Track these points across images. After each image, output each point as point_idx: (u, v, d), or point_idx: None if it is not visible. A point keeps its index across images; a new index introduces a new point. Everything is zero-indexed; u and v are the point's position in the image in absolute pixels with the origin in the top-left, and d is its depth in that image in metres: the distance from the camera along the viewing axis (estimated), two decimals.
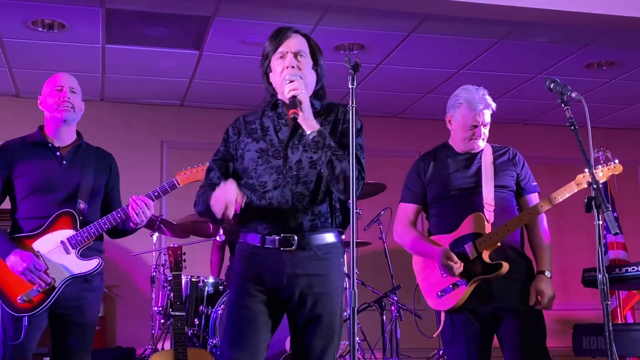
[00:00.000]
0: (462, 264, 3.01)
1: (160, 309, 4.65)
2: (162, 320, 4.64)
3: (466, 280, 3.03)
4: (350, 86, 2.56)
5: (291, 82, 2.56)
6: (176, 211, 5.59)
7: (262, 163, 2.66)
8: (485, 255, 3.03)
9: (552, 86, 2.91)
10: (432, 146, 3.42)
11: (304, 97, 2.58)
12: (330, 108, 2.77)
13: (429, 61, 5.72)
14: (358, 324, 4.40)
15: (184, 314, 4.08)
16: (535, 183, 3.27)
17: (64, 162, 3.29)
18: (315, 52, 2.76)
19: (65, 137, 3.33)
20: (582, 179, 3.02)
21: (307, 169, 2.62)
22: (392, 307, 5.06)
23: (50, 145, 3.30)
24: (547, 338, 3.13)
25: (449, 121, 3.29)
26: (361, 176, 2.60)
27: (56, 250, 3.19)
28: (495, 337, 3.14)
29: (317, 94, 2.77)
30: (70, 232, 3.20)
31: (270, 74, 2.74)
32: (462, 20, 4.86)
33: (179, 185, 3.38)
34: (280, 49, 2.69)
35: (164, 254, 4.67)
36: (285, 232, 2.59)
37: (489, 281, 3.03)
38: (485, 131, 3.20)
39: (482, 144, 3.22)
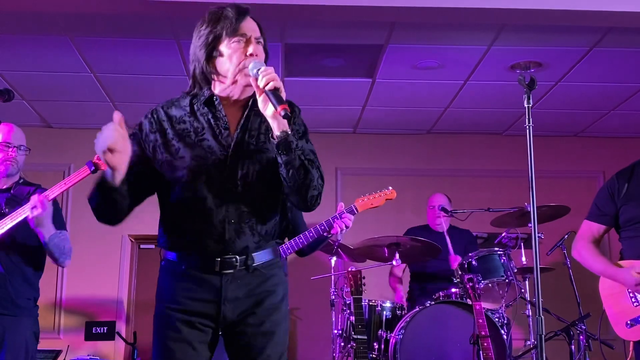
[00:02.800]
0: None
1: (340, 331, 4.72)
2: (342, 344, 4.71)
3: None
4: (525, 105, 2.51)
5: (267, 72, 2.12)
6: (353, 236, 5.71)
7: (201, 174, 2.24)
8: None
9: None
10: (617, 166, 3.26)
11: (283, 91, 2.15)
12: None
13: (612, 76, 5.43)
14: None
15: (365, 337, 4.11)
16: None
17: None
18: (266, 41, 2.33)
19: None
20: None
21: (255, 182, 2.27)
22: (581, 337, 4.82)
23: None
24: None
25: None
26: (321, 183, 2.27)
27: None
28: None
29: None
30: None
31: (218, 59, 2.25)
32: None
33: (357, 211, 3.43)
34: (240, 32, 2.23)
35: (344, 278, 4.74)
36: (225, 253, 2.24)
37: None
38: None
39: None
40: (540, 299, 2.69)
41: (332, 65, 5.32)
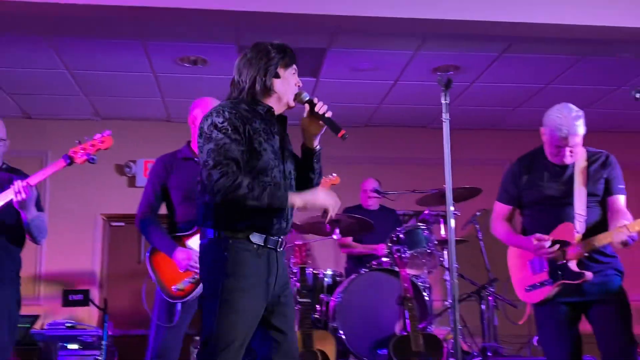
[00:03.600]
0: (553, 241, 2.91)
1: None
2: None
3: (552, 280, 2.94)
4: (443, 101, 2.58)
5: (322, 103, 2.43)
6: (300, 214, 5.74)
7: (276, 165, 2.38)
8: (573, 263, 2.91)
9: (638, 96, 2.80)
10: (521, 153, 3.35)
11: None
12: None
13: (518, 78, 5.62)
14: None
15: (309, 300, 4.16)
16: (623, 186, 3.02)
17: None
18: None
19: None
20: None
21: (293, 178, 2.49)
22: (490, 298, 4.99)
23: (196, 160, 3.46)
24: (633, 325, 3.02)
25: (543, 133, 3.08)
26: None
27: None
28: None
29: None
30: None
31: (277, 80, 2.42)
32: (548, 40, 4.75)
33: None
34: (294, 66, 2.47)
35: (292, 250, 4.74)
36: (284, 234, 2.41)
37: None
38: (570, 152, 2.98)
39: (569, 160, 3.02)
40: (456, 266, 2.77)
41: None
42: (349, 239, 5.21)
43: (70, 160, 3.13)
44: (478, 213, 5.30)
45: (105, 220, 6.44)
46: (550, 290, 2.96)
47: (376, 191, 5.25)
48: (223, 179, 2.21)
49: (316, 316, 4.54)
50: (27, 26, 4.48)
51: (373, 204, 5.30)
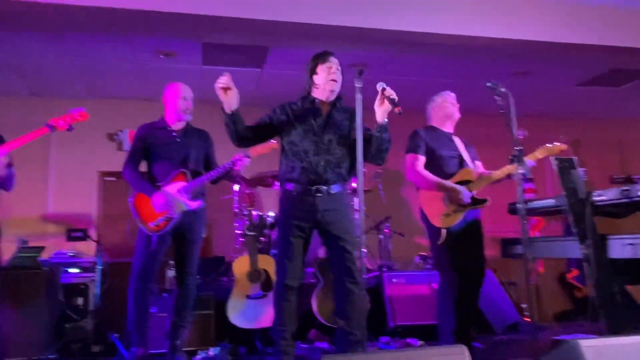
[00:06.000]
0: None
1: (241, 232, 4.72)
2: (241, 239, 4.72)
3: (462, 208, 3.09)
4: (356, 85, 2.53)
5: (390, 90, 2.50)
6: (249, 171, 5.65)
7: (305, 138, 2.61)
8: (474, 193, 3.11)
9: (489, 85, 2.88)
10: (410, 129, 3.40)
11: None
12: (347, 107, 2.76)
13: (414, 73, 5.62)
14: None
15: (255, 234, 4.12)
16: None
17: (178, 139, 3.32)
18: (340, 68, 2.77)
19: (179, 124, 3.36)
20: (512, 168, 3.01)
21: (335, 144, 2.61)
22: (386, 230, 5.10)
23: (167, 129, 3.34)
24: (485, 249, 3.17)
25: (433, 111, 3.37)
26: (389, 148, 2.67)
27: (177, 193, 3.21)
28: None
29: (339, 96, 2.76)
30: (184, 183, 3.24)
31: (315, 76, 2.69)
32: (427, 45, 4.76)
33: (250, 156, 3.32)
34: (327, 62, 2.68)
35: (243, 197, 4.70)
36: (318, 183, 2.57)
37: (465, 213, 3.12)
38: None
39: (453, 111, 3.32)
40: (363, 208, 2.79)
41: (233, 58, 5.12)
42: None
43: (52, 128, 2.92)
44: (380, 171, 5.37)
45: (100, 175, 6.16)
46: (461, 216, 3.07)
47: None
48: None
49: (259, 246, 4.52)
50: (34, 24, 4.12)
51: None
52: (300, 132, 2.61)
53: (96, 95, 6.02)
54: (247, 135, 2.64)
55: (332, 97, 2.69)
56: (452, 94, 3.39)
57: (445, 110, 3.31)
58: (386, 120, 2.56)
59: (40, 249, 3.87)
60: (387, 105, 2.50)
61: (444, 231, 3.10)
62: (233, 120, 2.54)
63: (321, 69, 2.66)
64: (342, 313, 2.57)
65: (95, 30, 4.34)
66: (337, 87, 2.64)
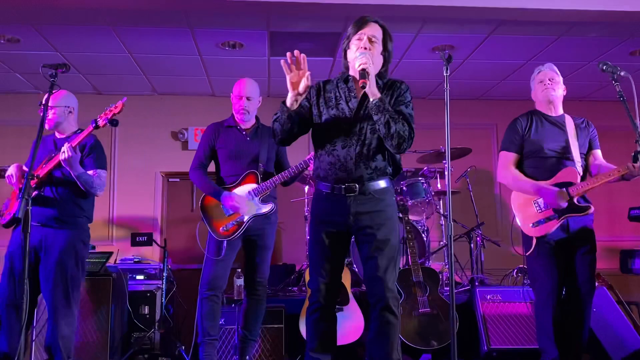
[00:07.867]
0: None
1: None
2: None
3: (558, 215, 2.91)
4: (444, 74, 2.49)
5: (361, 59, 2.27)
6: None
7: (334, 126, 2.36)
8: (576, 199, 2.92)
9: (604, 68, 2.73)
10: (505, 120, 3.29)
11: (372, 70, 2.27)
12: (391, 83, 2.46)
13: (503, 56, 5.44)
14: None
15: None
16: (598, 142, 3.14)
17: (248, 138, 3.43)
18: (386, 41, 2.41)
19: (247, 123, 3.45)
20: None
21: (369, 134, 2.34)
22: (478, 238, 4.97)
23: (237, 128, 3.46)
24: (598, 261, 3.01)
25: (533, 94, 3.17)
26: (411, 136, 2.32)
27: (247, 196, 3.30)
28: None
29: (380, 74, 2.44)
30: (254, 185, 3.33)
31: (348, 51, 2.41)
32: (529, 23, 4.58)
33: None
34: (359, 32, 2.37)
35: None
36: (349, 181, 2.32)
37: (568, 220, 2.93)
38: (550, 82, 3.08)
39: (551, 92, 3.07)
40: (450, 212, 2.75)
41: (305, 48, 5.23)
42: None
43: (96, 125, 3.04)
44: (469, 169, 5.25)
45: (164, 176, 6.48)
46: (555, 224, 2.91)
47: None
48: None
49: None
50: (97, 18, 4.44)
51: None
52: (328, 118, 2.35)
53: (159, 91, 6.33)
54: (295, 133, 2.40)
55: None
56: (546, 68, 3.09)
57: (542, 91, 3.13)
58: (374, 99, 2.26)
59: (109, 254, 4.14)
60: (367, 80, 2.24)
61: (534, 240, 2.97)
62: (293, 115, 2.33)
63: (353, 41, 2.37)
64: (371, 345, 2.35)
65: (157, 24, 4.59)
66: (367, 64, 2.23)
